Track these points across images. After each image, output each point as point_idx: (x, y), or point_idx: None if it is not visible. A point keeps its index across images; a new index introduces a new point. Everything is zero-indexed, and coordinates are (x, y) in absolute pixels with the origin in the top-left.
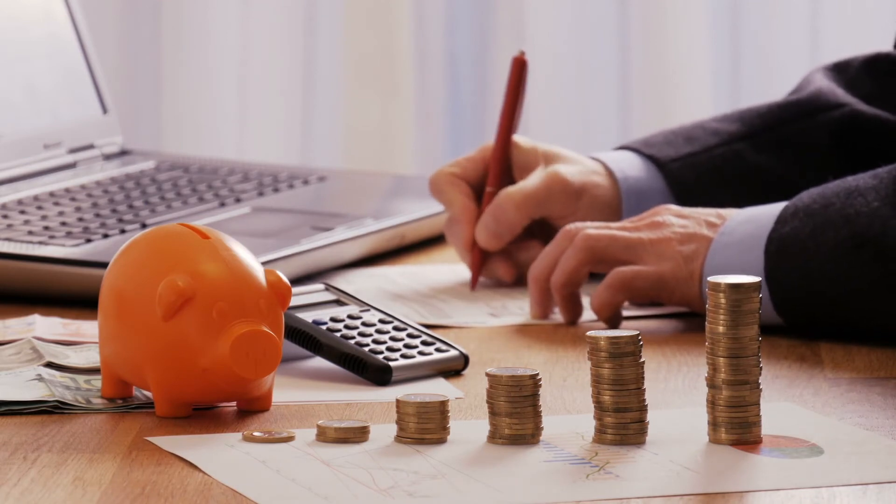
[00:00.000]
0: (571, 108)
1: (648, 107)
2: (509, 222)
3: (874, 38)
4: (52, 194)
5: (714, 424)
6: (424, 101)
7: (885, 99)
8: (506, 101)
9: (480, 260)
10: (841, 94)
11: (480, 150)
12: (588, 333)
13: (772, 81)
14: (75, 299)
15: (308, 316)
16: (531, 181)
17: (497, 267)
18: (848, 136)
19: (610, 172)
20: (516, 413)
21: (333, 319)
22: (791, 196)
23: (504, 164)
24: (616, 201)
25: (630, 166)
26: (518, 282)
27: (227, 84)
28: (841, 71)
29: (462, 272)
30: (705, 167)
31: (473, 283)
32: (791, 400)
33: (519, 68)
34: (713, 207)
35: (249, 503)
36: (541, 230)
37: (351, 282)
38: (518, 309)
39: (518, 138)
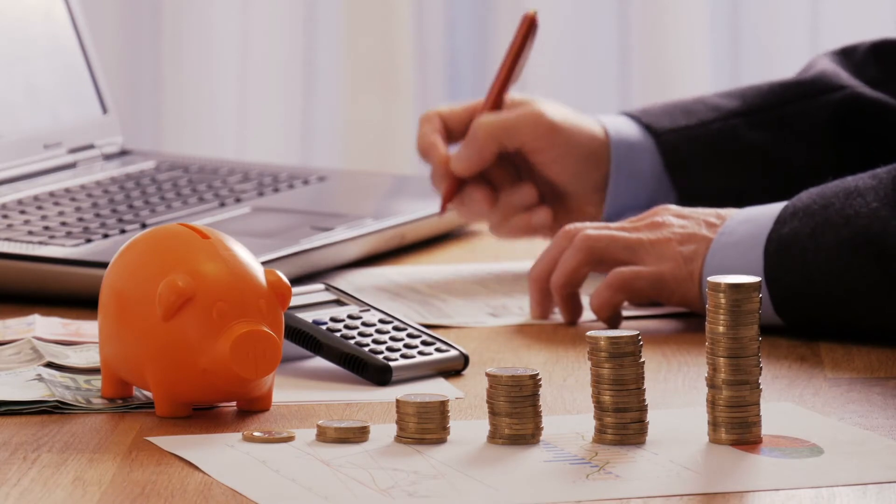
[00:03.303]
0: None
1: (649, 101)
2: (479, 147)
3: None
4: (52, 194)
5: (714, 424)
6: (424, 101)
7: (889, 84)
8: (507, 56)
9: (453, 186)
10: (844, 76)
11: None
12: (588, 333)
13: (772, 75)
14: (75, 299)
15: (308, 316)
16: (507, 112)
17: (473, 192)
18: (848, 118)
19: (602, 125)
20: (516, 413)
21: (333, 319)
22: (784, 175)
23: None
24: (602, 151)
25: (626, 128)
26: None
27: (227, 84)
28: (847, 55)
29: (462, 272)
30: (700, 141)
31: (443, 208)
32: (791, 400)
33: (527, 27)
34: (705, 182)
35: (249, 503)
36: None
37: (351, 282)
38: (518, 309)
39: (514, 94)
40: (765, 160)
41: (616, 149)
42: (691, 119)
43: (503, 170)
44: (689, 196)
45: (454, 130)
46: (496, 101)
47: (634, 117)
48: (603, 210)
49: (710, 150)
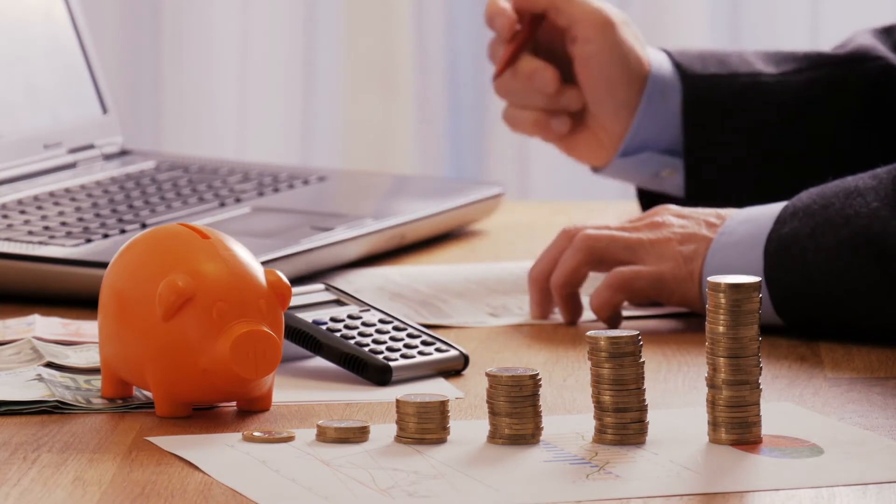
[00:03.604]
0: None
1: None
2: None
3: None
4: (52, 194)
5: (714, 424)
6: (424, 101)
7: None
8: None
9: (514, 51)
10: (881, 49)
11: None
12: (588, 333)
13: None
14: (75, 299)
15: (308, 316)
16: None
17: (544, 70)
18: (879, 87)
19: (648, 58)
20: (516, 413)
21: (333, 319)
22: (806, 138)
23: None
24: (641, 76)
25: (663, 65)
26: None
27: (227, 84)
28: (889, 33)
29: (462, 272)
30: (724, 90)
31: (500, 72)
32: (791, 400)
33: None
34: (718, 140)
35: (249, 503)
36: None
37: (351, 282)
38: (518, 309)
39: None
40: (789, 121)
41: (653, 82)
42: (722, 69)
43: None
44: (694, 151)
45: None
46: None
47: (670, 55)
48: (623, 139)
49: (733, 103)
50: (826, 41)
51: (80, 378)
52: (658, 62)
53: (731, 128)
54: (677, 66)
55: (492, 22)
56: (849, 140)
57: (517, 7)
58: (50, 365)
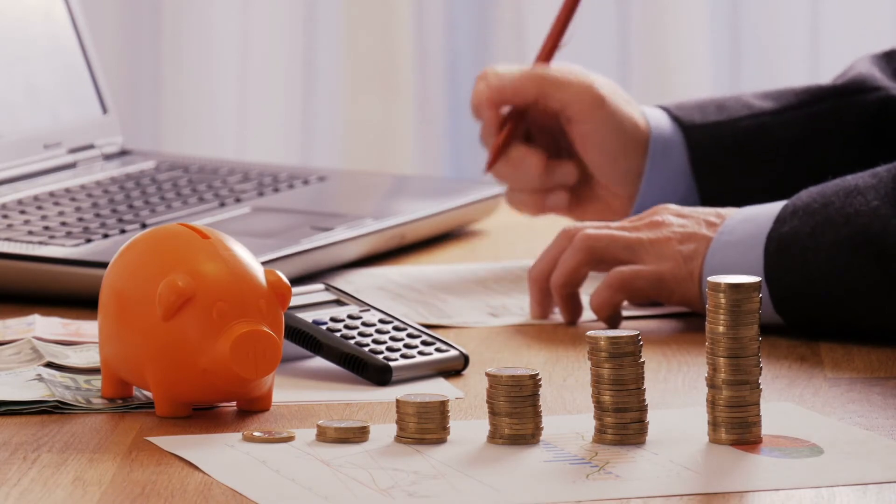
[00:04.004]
0: None
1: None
2: (523, 86)
3: (875, 30)
4: (52, 194)
5: (714, 424)
6: (424, 101)
7: None
8: (560, 13)
9: (502, 143)
10: (880, 78)
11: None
12: (588, 333)
13: (773, 77)
14: (75, 299)
15: (308, 316)
16: (558, 69)
17: (527, 155)
18: (881, 119)
19: (645, 117)
20: (516, 413)
21: (333, 319)
22: (812, 174)
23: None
24: (640, 139)
25: (662, 122)
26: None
27: (227, 84)
28: (891, 58)
29: (462, 272)
30: (728, 137)
31: (490, 164)
32: (791, 400)
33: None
34: (730, 181)
35: (249, 503)
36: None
37: (351, 282)
38: (518, 309)
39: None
40: (794, 158)
41: (654, 143)
42: (722, 115)
43: (544, 145)
44: (711, 199)
45: (506, 90)
46: (548, 55)
47: (668, 110)
48: (633, 204)
49: (737, 147)
50: (826, 41)
51: (80, 378)
52: (656, 120)
53: (738, 171)
54: (676, 119)
55: (478, 113)
56: (850, 172)
57: (506, 100)
58: (50, 365)
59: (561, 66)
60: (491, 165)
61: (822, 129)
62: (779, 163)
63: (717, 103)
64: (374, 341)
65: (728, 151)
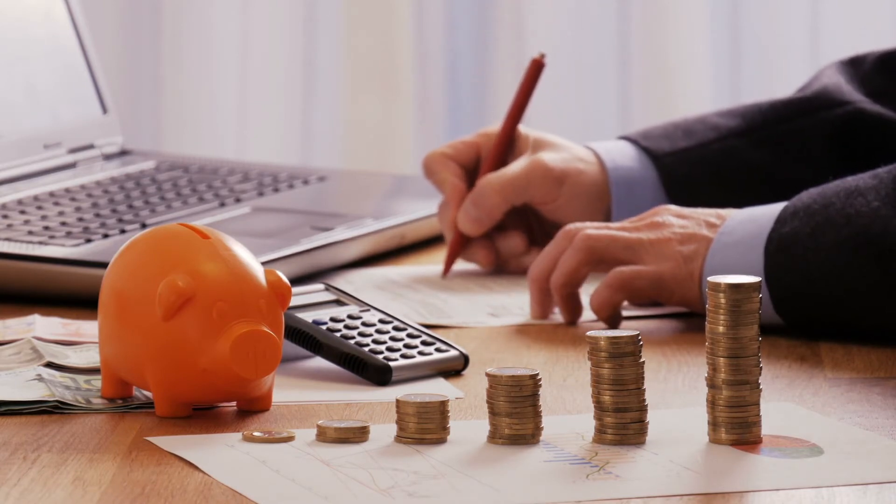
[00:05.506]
0: (571, 106)
1: (648, 104)
2: (489, 207)
3: (875, 30)
4: (52, 194)
5: (714, 424)
6: (424, 101)
7: (894, 96)
8: (517, 98)
9: (458, 246)
10: (847, 90)
11: (477, 135)
12: (588, 333)
13: (772, 77)
14: (75, 299)
15: (308, 316)
16: (513, 167)
17: (476, 252)
18: (848, 134)
19: (600, 161)
20: (516, 413)
21: (333, 319)
22: (786, 194)
23: (503, 154)
24: (603, 189)
25: (623, 156)
26: (497, 271)
27: (227, 84)
28: (856, 65)
29: (462, 272)
30: (699, 162)
31: (445, 271)
32: (791, 400)
33: (536, 70)
34: (706, 203)
35: (249, 503)
36: (523, 220)
37: (351, 282)
38: (518, 309)
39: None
40: (767, 180)
41: (616, 187)
42: (691, 140)
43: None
44: None
45: (466, 168)
46: (507, 142)
47: (635, 142)
48: None
49: (710, 172)
50: (826, 41)
51: (80, 378)
52: (615, 160)
53: (711, 195)
54: (645, 150)
55: (440, 217)
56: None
57: (483, 226)
58: (50, 365)
59: (515, 139)
60: (445, 273)
61: (795, 148)
62: (752, 184)
63: (684, 128)
64: (374, 341)
65: (701, 177)
